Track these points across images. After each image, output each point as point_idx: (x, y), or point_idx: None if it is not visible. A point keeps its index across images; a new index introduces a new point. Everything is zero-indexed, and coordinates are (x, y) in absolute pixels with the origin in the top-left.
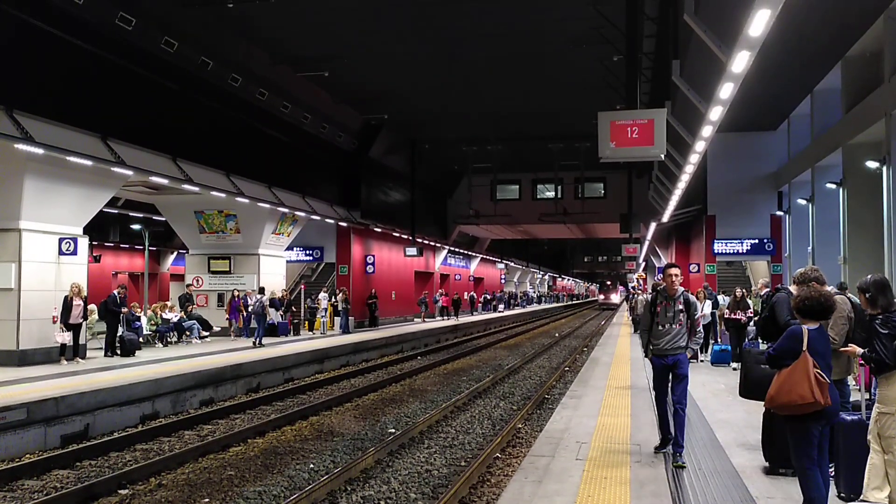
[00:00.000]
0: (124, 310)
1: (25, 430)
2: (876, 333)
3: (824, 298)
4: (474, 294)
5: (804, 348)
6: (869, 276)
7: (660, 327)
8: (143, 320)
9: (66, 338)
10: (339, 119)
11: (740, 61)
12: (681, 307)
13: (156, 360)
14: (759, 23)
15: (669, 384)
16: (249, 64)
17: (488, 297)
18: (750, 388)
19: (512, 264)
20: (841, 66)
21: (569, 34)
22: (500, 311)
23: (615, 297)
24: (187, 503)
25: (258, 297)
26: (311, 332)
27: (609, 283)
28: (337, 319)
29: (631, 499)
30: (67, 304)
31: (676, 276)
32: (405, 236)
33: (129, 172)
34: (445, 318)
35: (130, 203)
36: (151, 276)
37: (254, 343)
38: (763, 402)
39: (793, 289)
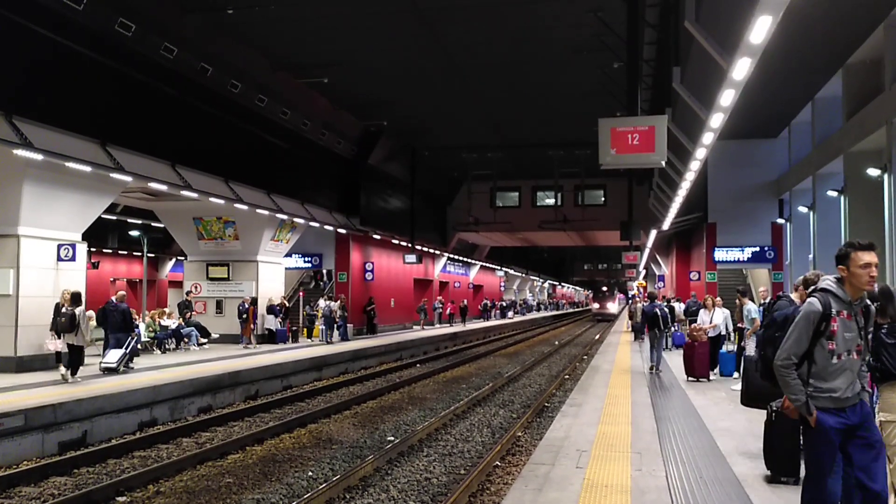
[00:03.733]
0: None
1: (23, 436)
2: (882, 343)
3: None
4: (487, 301)
5: None
6: (874, 286)
7: (834, 360)
8: (142, 327)
9: (59, 345)
10: (338, 126)
11: (741, 68)
12: (863, 321)
13: (154, 367)
14: (761, 30)
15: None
16: (249, 70)
17: (503, 304)
18: (751, 397)
19: (511, 272)
20: (842, 74)
21: (569, 41)
22: (509, 318)
23: (612, 307)
24: None
25: (327, 303)
26: (309, 340)
27: (605, 289)
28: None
29: None
30: (59, 311)
31: (876, 265)
32: (404, 243)
33: (128, 178)
34: (452, 324)
35: (129, 209)
36: (150, 282)
37: (327, 341)
38: (764, 410)
39: (794, 296)
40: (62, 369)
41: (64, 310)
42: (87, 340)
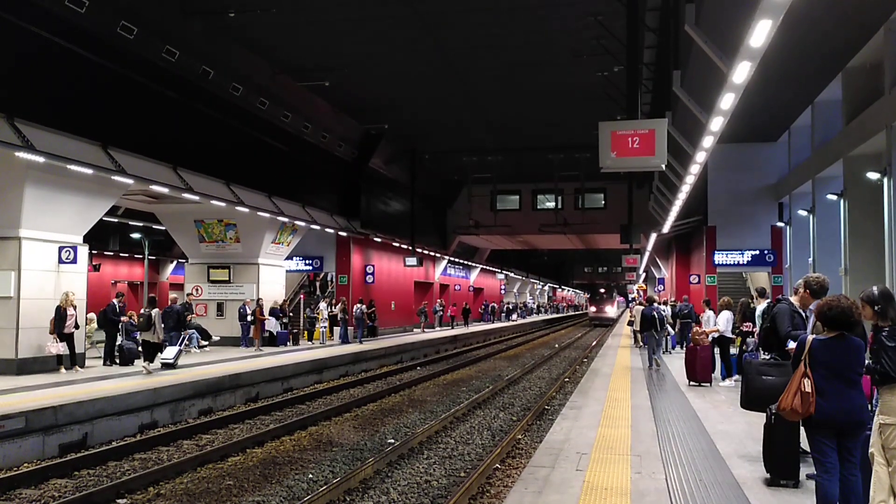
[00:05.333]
0: (123, 319)
1: (24, 438)
2: (882, 346)
3: (841, 307)
4: (495, 304)
5: (801, 357)
6: (874, 289)
7: None
8: None
9: (60, 348)
10: (339, 129)
11: (741, 72)
12: None
13: (154, 370)
14: (761, 33)
15: None
16: (250, 73)
17: (509, 307)
18: (751, 400)
19: (512, 275)
20: (841, 78)
21: (570, 45)
22: (513, 320)
23: (611, 310)
24: None
25: (358, 306)
26: (310, 342)
27: (603, 291)
28: (336, 329)
29: None
30: (61, 314)
31: None
32: (405, 246)
33: (130, 181)
34: (454, 326)
35: (130, 212)
36: (151, 285)
37: (359, 341)
38: (763, 413)
39: (793, 299)
40: (62, 370)
41: (142, 311)
42: (160, 337)
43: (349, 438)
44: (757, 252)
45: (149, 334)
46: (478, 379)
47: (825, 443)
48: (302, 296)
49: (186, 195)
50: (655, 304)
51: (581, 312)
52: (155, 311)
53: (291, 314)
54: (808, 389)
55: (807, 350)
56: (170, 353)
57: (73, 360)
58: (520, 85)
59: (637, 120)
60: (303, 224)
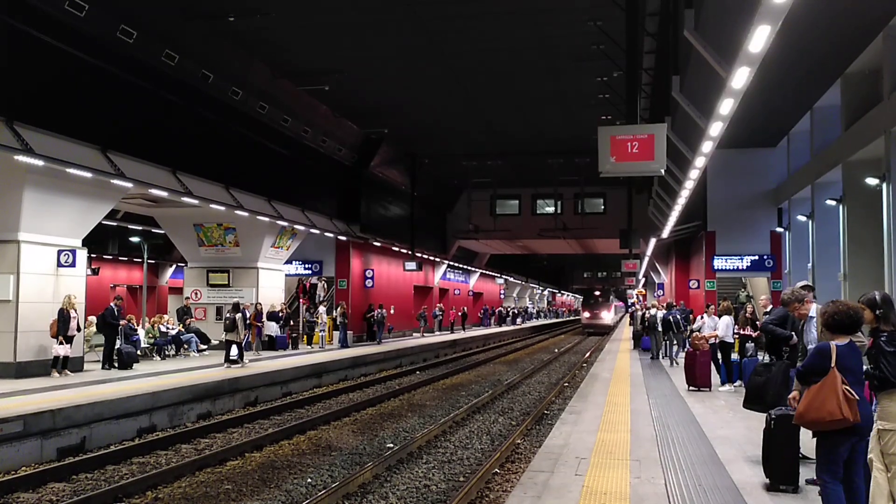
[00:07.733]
0: (122, 322)
1: (22, 442)
2: (881, 351)
3: (853, 312)
4: (502, 309)
5: (832, 364)
6: (875, 293)
7: None
8: (141, 333)
9: (68, 349)
10: (339, 133)
11: (740, 77)
12: None
13: (153, 374)
14: (760, 39)
15: None
16: (250, 77)
17: (514, 311)
18: (745, 397)
19: (511, 279)
20: (840, 83)
21: (569, 50)
22: (517, 324)
23: (607, 316)
24: None
25: (378, 310)
26: (309, 346)
27: (598, 293)
28: (336, 333)
29: None
30: (65, 316)
31: None
32: (404, 251)
33: (129, 185)
34: (454, 331)
35: (129, 216)
36: (150, 288)
37: (379, 342)
38: (763, 415)
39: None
40: (56, 373)
41: (227, 314)
42: (240, 337)
43: (348, 443)
44: (756, 257)
45: (233, 334)
46: (477, 383)
47: (843, 450)
48: (301, 300)
49: (186, 199)
50: (672, 310)
51: (580, 317)
52: (238, 315)
53: (292, 322)
54: (854, 397)
55: (835, 356)
56: (235, 351)
57: (65, 363)
58: (519, 89)
59: (636, 125)
60: (302, 228)
